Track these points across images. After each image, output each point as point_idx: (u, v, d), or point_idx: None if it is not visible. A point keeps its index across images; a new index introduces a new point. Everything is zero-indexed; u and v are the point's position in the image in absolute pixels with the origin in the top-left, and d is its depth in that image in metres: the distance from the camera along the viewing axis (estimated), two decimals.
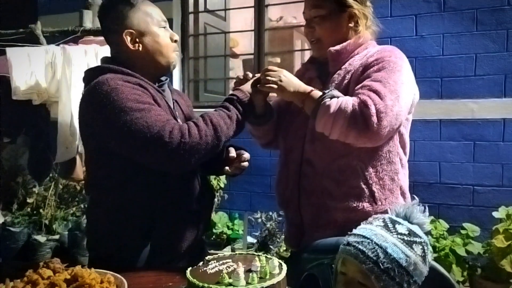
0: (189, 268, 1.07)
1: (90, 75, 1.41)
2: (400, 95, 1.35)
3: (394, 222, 1.09)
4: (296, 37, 5.51)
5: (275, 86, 1.40)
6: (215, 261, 1.11)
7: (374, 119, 1.29)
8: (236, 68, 5.74)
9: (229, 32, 4.65)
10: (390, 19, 3.21)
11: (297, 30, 5.30)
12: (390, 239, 1.04)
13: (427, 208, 1.13)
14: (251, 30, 3.93)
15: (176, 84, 4.00)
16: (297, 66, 5.32)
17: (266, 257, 1.08)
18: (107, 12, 1.45)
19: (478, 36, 3.04)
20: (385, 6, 3.24)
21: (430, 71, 3.14)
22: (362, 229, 1.09)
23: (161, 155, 1.25)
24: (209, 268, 1.06)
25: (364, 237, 1.06)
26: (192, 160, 1.27)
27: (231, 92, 1.45)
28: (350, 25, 1.51)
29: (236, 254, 1.16)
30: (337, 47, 1.50)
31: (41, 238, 3.43)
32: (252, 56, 4.04)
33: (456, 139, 3.13)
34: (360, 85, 1.38)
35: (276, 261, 1.06)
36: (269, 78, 1.41)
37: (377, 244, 1.03)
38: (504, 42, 2.98)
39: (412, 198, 1.17)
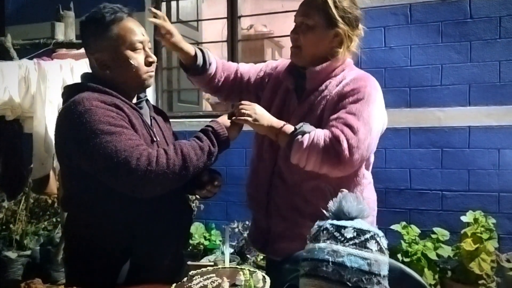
0: (174, 284, 1.09)
1: (69, 92, 1.41)
2: (372, 128, 1.42)
3: (338, 228, 1.01)
4: (267, 46, 5.60)
5: (249, 118, 1.43)
6: (199, 276, 1.13)
7: (346, 153, 1.35)
8: None
9: (202, 42, 4.68)
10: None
11: (267, 39, 5.39)
12: (343, 250, 0.97)
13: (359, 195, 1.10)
14: (225, 41, 3.96)
15: (150, 94, 3.96)
16: None
17: (249, 270, 1.11)
18: (82, 31, 1.44)
19: (443, 47, 3.16)
20: None
21: (399, 81, 3.23)
22: (313, 251, 1.00)
23: (126, 181, 1.25)
24: (194, 284, 1.08)
25: (319, 260, 0.97)
26: (157, 188, 1.27)
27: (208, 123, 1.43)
28: (333, 44, 1.52)
29: (219, 268, 1.18)
30: (317, 68, 1.52)
31: (12, 254, 3.34)
32: None
33: (424, 146, 3.24)
34: (335, 115, 1.43)
35: (260, 274, 1.09)
36: (243, 111, 1.43)
37: (334, 263, 0.96)
38: (468, 53, 3.12)
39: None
